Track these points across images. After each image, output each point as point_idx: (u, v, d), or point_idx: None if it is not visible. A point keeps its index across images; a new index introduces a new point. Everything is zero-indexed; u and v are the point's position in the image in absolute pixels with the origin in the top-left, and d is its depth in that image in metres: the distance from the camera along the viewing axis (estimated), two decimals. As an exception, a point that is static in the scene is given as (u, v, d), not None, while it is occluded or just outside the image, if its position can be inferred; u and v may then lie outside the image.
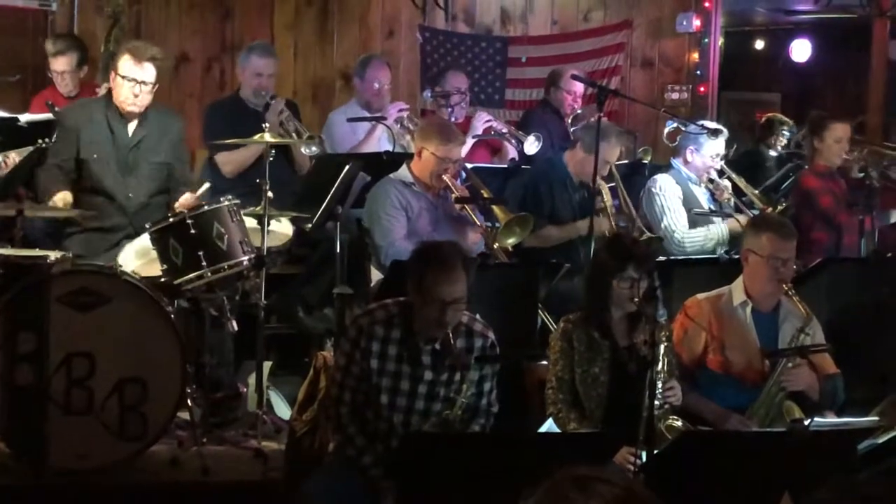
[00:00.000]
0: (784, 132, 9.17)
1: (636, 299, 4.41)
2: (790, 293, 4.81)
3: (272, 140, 5.65)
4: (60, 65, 7.08)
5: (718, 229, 6.58)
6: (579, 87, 7.85)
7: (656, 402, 4.26)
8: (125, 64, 5.68)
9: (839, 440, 4.05)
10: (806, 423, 3.96)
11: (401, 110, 7.14)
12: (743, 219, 6.57)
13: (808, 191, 6.97)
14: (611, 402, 4.47)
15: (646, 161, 7.33)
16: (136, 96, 5.70)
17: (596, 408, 4.46)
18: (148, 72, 5.70)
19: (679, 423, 4.41)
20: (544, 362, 4.65)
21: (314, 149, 6.48)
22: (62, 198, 5.55)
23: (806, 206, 6.95)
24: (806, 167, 7.49)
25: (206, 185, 5.84)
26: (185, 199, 5.62)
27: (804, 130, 7.41)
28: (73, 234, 5.77)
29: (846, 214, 6.81)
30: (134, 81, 5.67)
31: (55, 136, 5.75)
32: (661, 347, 4.37)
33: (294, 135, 6.53)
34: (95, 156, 5.72)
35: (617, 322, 4.56)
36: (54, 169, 5.71)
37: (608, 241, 4.88)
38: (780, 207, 6.77)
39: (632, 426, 4.10)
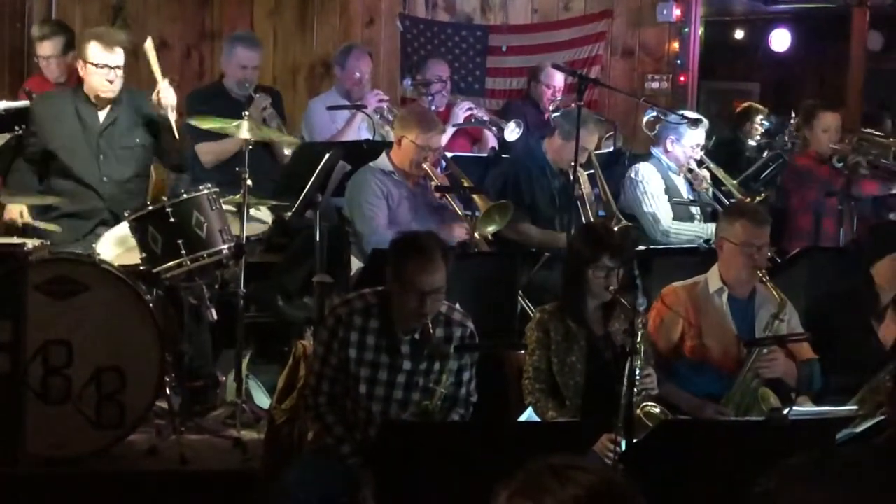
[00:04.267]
0: (761, 121, 9.19)
1: (612, 288, 4.43)
2: (764, 279, 4.83)
3: (251, 136, 5.61)
4: (46, 49, 7.03)
5: (708, 228, 6.58)
6: (559, 81, 7.87)
7: (634, 389, 4.27)
8: (95, 51, 5.63)
9: (818, 429, 4.06)
10: (785, 412, 3.97)
11: (380, 100, 7.13)
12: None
13: (802, 172, 7.00)
14: (588, 391, 4.49)
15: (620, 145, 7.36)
16: (110, 82, 5.67)
17: (574, 396, 4.48)
18: (119, 56, 5.67)
19: (657, 410, 4.42)
20: (524, 351, 4.65)
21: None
22: (16, 210, 5.55)
23: (798, 186, 6.97)
24: (785, 158, 7.51)
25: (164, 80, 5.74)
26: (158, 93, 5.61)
27: (797, 119, 7.40)
28: (49, 220, 5.72)
29: (826, 202, 6.83)
30: (107, 68, 5.64)
31: (30, 132, 5.72)
32: (639, 335, 4.39)
33: (276, 132, 6.50)
34: (64, 145, 5.70)
35: (592, 311, 4.58)
36: (25, 174, 5.71)
37: (582, 230, 4.88)
38: (759, 198, 6.79)
39: (610, 414, 4.10)
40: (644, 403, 4.39)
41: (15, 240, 5.28)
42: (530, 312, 5.65)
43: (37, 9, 8.17)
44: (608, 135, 7.36)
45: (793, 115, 8.03)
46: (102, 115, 5.77)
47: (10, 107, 6.28)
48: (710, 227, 6.54)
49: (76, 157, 5.71)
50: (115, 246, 5.45)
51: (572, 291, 4.58)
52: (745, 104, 9.46)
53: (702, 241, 6.53)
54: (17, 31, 7.71)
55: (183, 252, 5.12)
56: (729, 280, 4.87)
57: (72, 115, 5.73)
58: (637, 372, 4.31)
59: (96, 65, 5.63)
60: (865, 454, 2.76)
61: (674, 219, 6.64)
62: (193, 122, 6.09)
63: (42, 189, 5.81)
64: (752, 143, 8.94)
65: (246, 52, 6.85)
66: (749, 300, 4.90)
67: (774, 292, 4.81)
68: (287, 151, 6.50)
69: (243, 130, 5.55)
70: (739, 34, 12.76)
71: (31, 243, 5.12)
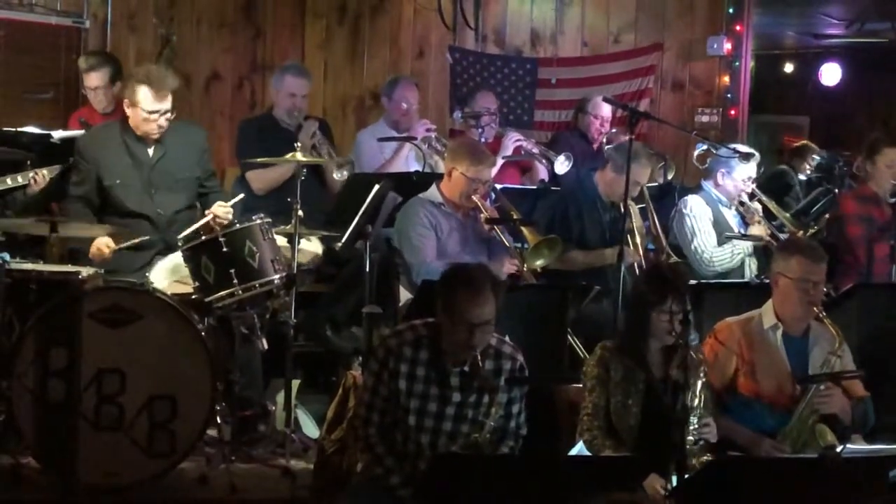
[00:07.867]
0: (813, 157, 9.16)
1: (674, 332, 4.34)
2: (821, 315, 4.79)
3: (304, 160, 5.66)
4: (94, 81, 7.13)
5: (742, 242, 6.56)
6: (606, 112, 7.87)
7: (691, 438, 4.22)
8: (146, 99, 5.63)
9: (870, 467, 4.02)
10: (838, 449, 3.94)
11: (428, 129, 7.16)
12: (760, 229, 6.56)
13: (842, 216, 6.95)
14: (643, 434, 4.41)
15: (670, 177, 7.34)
16: (160, 127, 5.70)
17: (627, 438, 4.41)
18: (168, 101, 5.69)
19: (715, 462, 4.37)
20: (574, 385, 4.63)
21: (345, 174, 6.47)
22: (105, 243, 5.53)
23: (837, 231, 6.92)
24: (837, 190, 7.46)
25: (241, 196, 5.84)
26: (217, 208, 5.61)
27: (863, 153, 7.35)
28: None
29: (878, 241, 6.77)
30: (157, 114, 5.67)
31: (74, 166, 5.76)
32: (699, 383, 4.34)
33: (326, 157, 6.54)
34: (118, 181, 5.72)
35: (653, 353, 4.50)
36: (78, 203, 5.71)
37: (648, 271, 4.81)
38: (810, 231, 6.75)
39: (664, 457, 4.06)
40: (703, 454, 4.33)
41: (69, 268, 5.34)
42: (577, 348, 5.64)
43: (92, 40, 8.28)
44: (658, 166, 7.33)
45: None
46: (152, 149, 5.78)
47: (66, 136, 6.36)
48: (747, 242, 6.54)
49: (129, 191, 5.73)
50: (168, 275, 5.50)
51: (635, 333, 4.50)
52: (801, 142, 9.42)
53: (741, 256, 6.52)
54: (73, 63, 7.81)
55: (235, 281, 5.16)
56: (784, 316, 4.82)
57: (121, 149, 5.74)
58: (695, 420, 4.27)
59: (147, 111, 5.65)
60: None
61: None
62: (248, 175, 6.39)
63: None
64: (802, 177, 8.91)
65: (295, 80, 6.90)
66: (803, 337, 4.84)
67: (832, 329, 4.77)
68: (337, 176, 6.51)
69: (296, 157, 5.60)
70: (789, 68, 12.74)
71: (85, 272, 5.19)
